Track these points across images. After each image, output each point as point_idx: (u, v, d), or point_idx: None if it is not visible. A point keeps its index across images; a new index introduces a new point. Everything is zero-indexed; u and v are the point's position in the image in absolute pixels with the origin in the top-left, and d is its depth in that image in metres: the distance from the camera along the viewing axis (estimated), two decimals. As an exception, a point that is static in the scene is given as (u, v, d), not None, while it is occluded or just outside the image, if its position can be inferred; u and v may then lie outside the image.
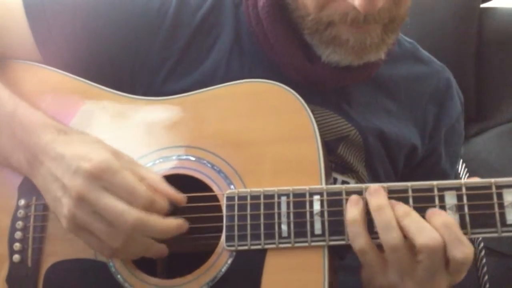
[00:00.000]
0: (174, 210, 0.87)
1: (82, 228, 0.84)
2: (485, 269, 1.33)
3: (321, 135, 0.90)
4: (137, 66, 1.02)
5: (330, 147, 1.01)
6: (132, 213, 0.81)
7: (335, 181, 1.03)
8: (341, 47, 0.94)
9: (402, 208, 0.81)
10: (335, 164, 1.03)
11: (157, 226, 0.83)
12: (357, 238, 0.82)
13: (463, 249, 0.78)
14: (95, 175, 0.82)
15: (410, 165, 1.11)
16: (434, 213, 0.81)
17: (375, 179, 1.06)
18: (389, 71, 1.09)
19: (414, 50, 1.16)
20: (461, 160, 1.42)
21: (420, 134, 1.10)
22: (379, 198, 0.82)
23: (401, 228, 0.80)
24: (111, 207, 0.82)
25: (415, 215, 0.80)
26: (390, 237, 0.80)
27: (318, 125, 0.91)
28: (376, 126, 1.05)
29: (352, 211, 0.83)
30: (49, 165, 0.87)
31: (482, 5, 1.62)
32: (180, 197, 0.87)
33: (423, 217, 0.80)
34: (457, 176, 1.37)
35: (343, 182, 1.03)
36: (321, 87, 1.02)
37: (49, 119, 0.93)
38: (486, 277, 1.31)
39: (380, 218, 0.81)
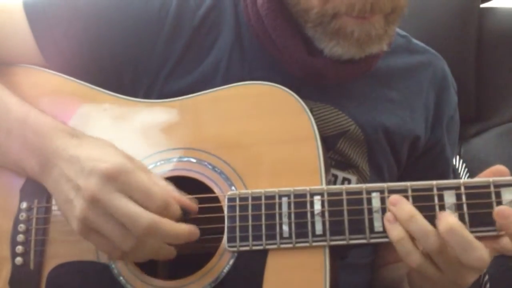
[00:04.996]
0: None
1: (93, 230, 0.83)
2: (485, 269, 1.32)
3: (320, 131, 0.90)
4: (139, 67, 1.02)
5: (329, 142, 1.01)
6: (146, 216, 0.80)
7: (335, 178, 1.03)
8: (346, 39, 0.94)
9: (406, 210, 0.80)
10: (335, 161, 1.03)
11: (170, 230, 0.82)
12: (410, 255, 0.79)
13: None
14: (110, 176, 0.81)
15: (413, 156, 1.11)
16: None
17: (378, 173, 1.06)
18: (385, 63, 1.10)
19: (408, 43, 1.16)
20: (461, 160, 1.41)
21: (424, 122, 1.10)
22: (406, 207, 0.80)
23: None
24: (125, 209, 0.81)
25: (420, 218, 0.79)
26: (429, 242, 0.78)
27: (317, 120, 0.91)
28: (378, 120, 1.05)
29: (393, 228, 0.80)
30: (63, 167, 0.86)
31: (482, 5, 1.61)
32: (193, 205, 0.87)
33: (425, 217, 0.79)
34: (456, 175, 1.37)
35: (344, 179, 1.04)
36: (322, 80, 1.03)
37: (61, 124, 0.93)
38: (486, 277, 1.30)
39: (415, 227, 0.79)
